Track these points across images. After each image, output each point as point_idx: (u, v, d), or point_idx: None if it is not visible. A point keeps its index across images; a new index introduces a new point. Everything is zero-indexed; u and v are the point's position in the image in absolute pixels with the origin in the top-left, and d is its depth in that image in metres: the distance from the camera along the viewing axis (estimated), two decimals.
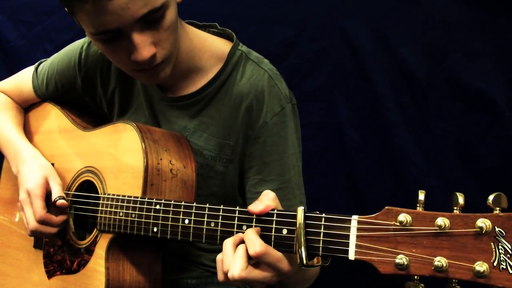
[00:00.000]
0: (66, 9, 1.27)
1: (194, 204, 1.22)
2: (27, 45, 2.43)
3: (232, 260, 1.07)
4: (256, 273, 1.06)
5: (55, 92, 1.69)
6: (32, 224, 1.46)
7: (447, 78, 2.11)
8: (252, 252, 1.04)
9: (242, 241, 1.08)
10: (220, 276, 1.09)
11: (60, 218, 1.47)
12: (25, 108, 1.78)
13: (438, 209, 0.94)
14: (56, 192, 1.48)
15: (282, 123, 1.44)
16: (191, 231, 1.22)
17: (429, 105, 2.13)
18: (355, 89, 2.20)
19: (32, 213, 1.47)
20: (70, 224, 1.50)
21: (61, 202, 1.46)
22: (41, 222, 1.46)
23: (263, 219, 1.10)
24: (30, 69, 1.74)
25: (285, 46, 2.21)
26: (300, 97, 1.64)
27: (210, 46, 1.50)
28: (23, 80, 1.75)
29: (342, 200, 2.22)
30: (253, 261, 1.07)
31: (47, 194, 1.49)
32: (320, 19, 2.18)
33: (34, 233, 1.49)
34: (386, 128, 2.18)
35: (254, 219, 1.11)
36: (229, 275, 1.06)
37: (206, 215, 1.19)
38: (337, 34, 2.18)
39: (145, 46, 1.27)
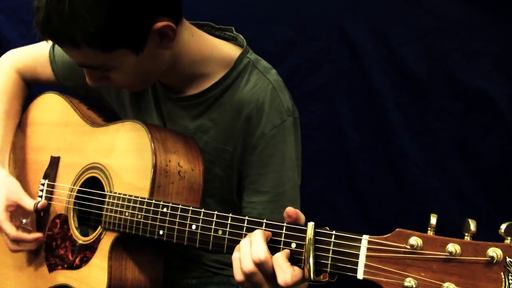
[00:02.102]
0: None
1: (202, 210, 1.22)
2: (27, 45, 2.40)
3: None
4: None
5: (71, 73, 1.67)
6: (9, 244, 1.53)
7: (447, 78, 2.10)
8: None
9: None
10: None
11: (33, 236, 1.52)
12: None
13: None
14: (29, 203, 1.52)
15: (280, 136, 1.43)
16: (198, 237, 1.22)
17: (429, 105, 2.13)
18: (355, 89, 2.19)
19: (6, 234, 1.52)
20: (73, 220, 1.50)
21: (41, 204, 1.52)
22: (16, 241, 1.51)
23: (272, 231, 1.10)
24: (47, 45, 1.71)
25: (285, 46, 2.19)
26: (300, 97, 1.64)
27: (218, 53, 1.49)
28: (40, 55, 1.73)
29: (342, 200, 2.22)
30: None
31: (17, 209, 1.53)
32: (320, 19, 2.16)
33: (14, 251, 1.56)
34: (386, 128, 2.17)
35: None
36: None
37: (214, 222, 1.20)
38: (337, 34, 2.16)
39: (89, 76, 1.39)
